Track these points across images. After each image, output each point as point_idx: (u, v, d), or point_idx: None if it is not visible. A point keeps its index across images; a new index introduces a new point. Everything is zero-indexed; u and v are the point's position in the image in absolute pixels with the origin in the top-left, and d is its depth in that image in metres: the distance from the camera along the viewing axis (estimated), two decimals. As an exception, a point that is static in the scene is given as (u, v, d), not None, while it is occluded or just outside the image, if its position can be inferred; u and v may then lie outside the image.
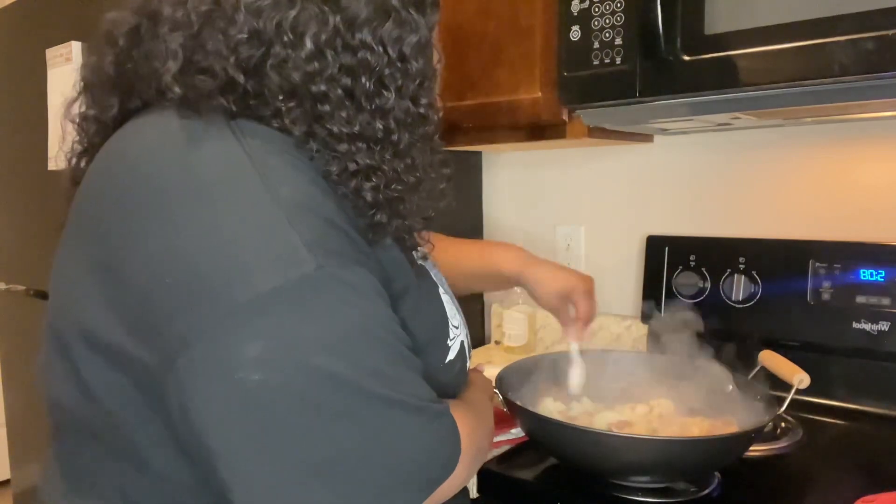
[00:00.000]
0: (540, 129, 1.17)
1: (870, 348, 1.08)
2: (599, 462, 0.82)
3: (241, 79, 0.53)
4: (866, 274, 1.09)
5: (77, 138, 0.64)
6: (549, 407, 0.95)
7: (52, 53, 1.48)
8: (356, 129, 0.55)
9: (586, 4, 1.00)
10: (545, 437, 0.86)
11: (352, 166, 0.55)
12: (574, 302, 0.99)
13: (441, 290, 0.68)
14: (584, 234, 1.49)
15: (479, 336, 1.66)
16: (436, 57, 0.62)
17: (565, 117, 1.12)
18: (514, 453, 0.97)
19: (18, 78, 1.66)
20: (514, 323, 1.50)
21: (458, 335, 0.67)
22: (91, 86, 0.63)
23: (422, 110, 0.59)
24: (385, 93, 0.56)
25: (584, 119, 1.11)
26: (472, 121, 1.22)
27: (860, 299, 1.09)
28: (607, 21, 0.99)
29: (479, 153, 1.64)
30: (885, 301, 1.07)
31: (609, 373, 1.01)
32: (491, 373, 0.95)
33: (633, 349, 1.38)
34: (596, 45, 1.00)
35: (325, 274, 0.48)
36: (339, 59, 0.54)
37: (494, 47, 1.16)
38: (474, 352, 1.57)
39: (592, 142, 1.27)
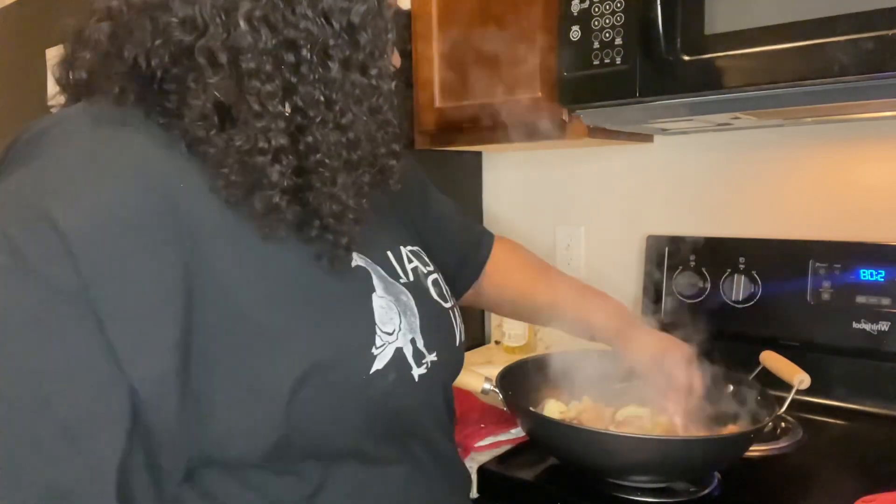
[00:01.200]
0: (540, 129, 1.17)
1: (870, 348, 1.08)
2: (599, 462, 0.82)
3: (156, 66, 0.53)
4: (866, 274, 1.09)
5: None
6: (550, 407, 0.95)
7: (52, 53, 1.48)
8: (280, 107, 0.53)
9: (586, 4, 1.00)
10: (545, 437, 0.86)
11: (262, 143, 0.52)
12: (668, 370, 0.88)
13: (376, 294, 0.62)
14: (584, 234, 1.49)
15: (479, 336, 1.66)
16: (388, 25, 0.59)
17: (565, 117, 1.12)
18: (514, 453, 0.97)
19: (18, 78, 1.66)
20: (514, 323, 1.50)
21: (390, 342, 0.60)
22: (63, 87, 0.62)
23: (372, 81, 0.56)
24: (330, 64, 0.54)
25: (584, 119, 1.11)
26: (472, 121, 1.22)
27: (860, 299, 1.09)
28: (607, 21, 0.98)
29: (479, 153, 1.64)
30: (885, 301, 1.07)
31: (609, 373, 1.01)
32: (491, 373, 0.95)
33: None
34: (596, 45, 1.00)
35: None
36: (280, 35, 0.52)
37: (494, 47, 1.16)
38: (475, 352, 1.57)
39: (592, 142, 1.27)
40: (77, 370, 0.46)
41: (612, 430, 0.87)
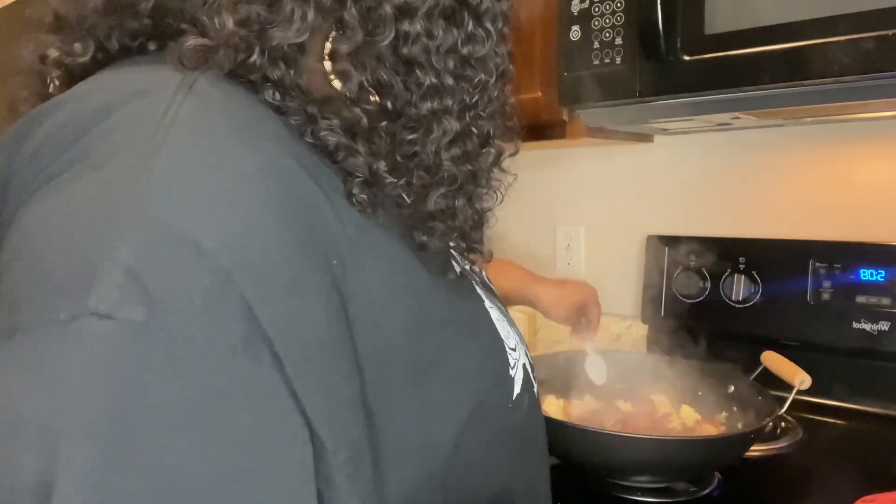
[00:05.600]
0: (540, 129, 1.17)
1: (870, 348, 1.08)
2: (599, 462, 0.82)
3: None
4: (866, 274, 1.09)
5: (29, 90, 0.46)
6: (550, 406, 0.95)
7: (52, 53, 1.48)
8: (448, 80, 0.41)
9: (586, 4, 1.00)
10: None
11: (437, 132, 0.41)
12: (586, 312, 1.04)
13: (487, 305, 0.51)
14: (584, 234, 1.49)
15: (479, 336, 1.65)
16: None
17: (565, 117, 1.12)
18: (515, 453, 0.97)
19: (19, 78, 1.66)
20: (514, 323, 1.50)
21: (517, 359, 0.51)
22: (63, 22, 0.45)
23: (504, 63, 0.47)
24: (482, 34, 0.43)
25: (584, 119, 1.11)
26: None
27: (860, 299, 1.09)
28: (607, 21, 0.98)
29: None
30: (885, 301, 1.07)
31: (610, 373, 1.01)
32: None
33: (633, 349, 1.38)
34: (596, 45, 1.00)
35: (110, 328, 0.28)
36: None
37: (494, 47, 1.16)
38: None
39: (592, 142, 1.27)
40: (286, 465, 0.32)
41: (612, 429, 0.88)
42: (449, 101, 0.41)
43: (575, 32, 1.02)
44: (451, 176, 0.42)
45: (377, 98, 0.40)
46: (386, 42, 0.39)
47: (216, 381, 0.30)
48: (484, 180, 0.46)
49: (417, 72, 0.40)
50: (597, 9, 0.99)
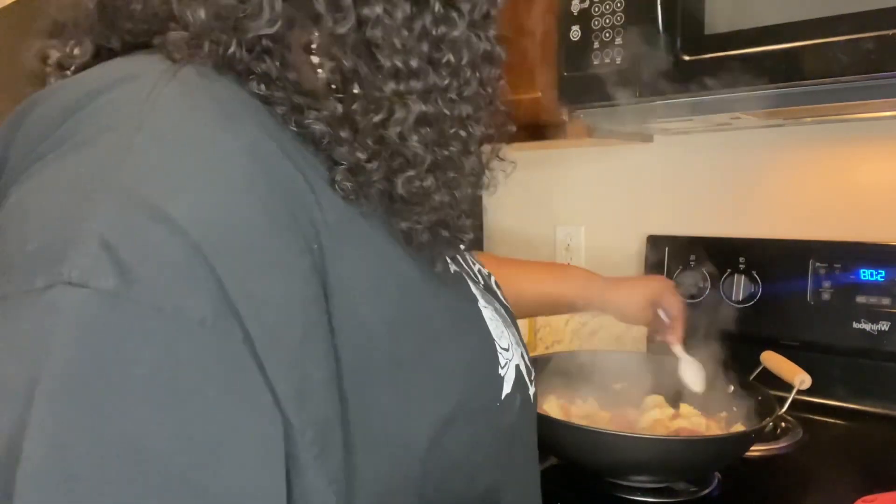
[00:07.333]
0: (540, 129, 1.17)
1: (870, 348, 1.08)
2: (599, 462, 0.82)
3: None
4: (866, 274, 1.09)
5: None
6: (550, 406, 0.95)
7: (52, 53, 1.48)
8: (414, 62, 0.40)
9: (586, 4, 1.00)
10: (545, 436, 0.86)
11: (400, 113, 0.40)
12: (663, 306, 0.96)
13: (481, 304, 0.51)
14: (584, 234, 1.49)
15: (479, 336, 1.65)
16: None
17: (565, 117, 1.12)
18: (515, 453, 0.97)
19: (18, 78, 1.66)
20: (514, 323, 1.50)
21: (509, 359, 0.50)
22: (61, 26, 0.46)
23: (488, 46, 0.45)
24: (456, 18, 0.42)
25: (584, 119, 1.11)
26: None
27: (860, 299, 1.09)
28: (607, 21, 0.98)
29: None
30: (885, 301, 1.07)
31: (610, 373, 1.01)
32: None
33: (633, 349, 1.38)
34: (596, 45, 1.00)
35: (82, 296, 0.29)
36: None
37: (494, 47, 1.16)
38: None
39: (592, 142, 1.27)
40: (250, 440, 0.32)
41: (612, 429, 0.88)
42: (414, 83, 0.41)
43: (575, 32, 1.02)
44: (419, 158, 0.41)
45: (351, 84, 0.40)
46: (347, 27, 0.39)
47: (183, 353, 0.30)
48: (465, 165, 0.45)
49: (378, 55, 0.40)
50: (597, 9, 0.99)
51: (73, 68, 0.44)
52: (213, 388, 0.31)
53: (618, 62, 0.98)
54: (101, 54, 0.44)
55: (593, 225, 1.48)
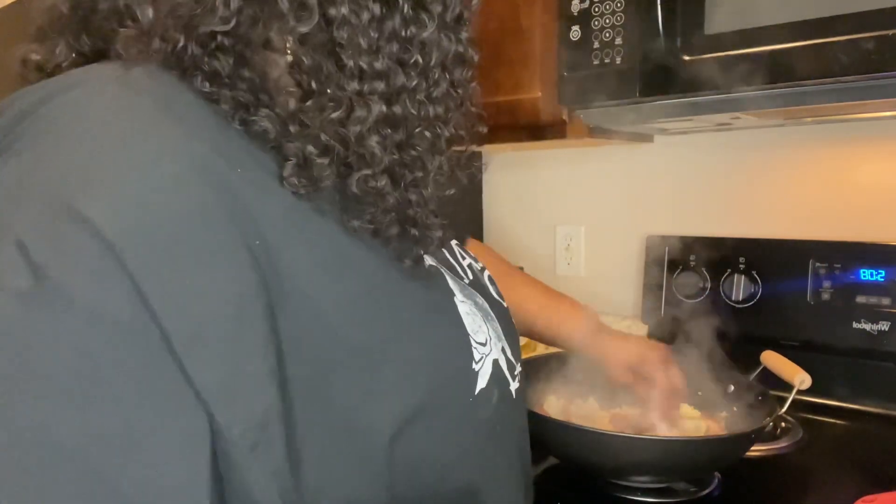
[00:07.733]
0: (540, 129, 1.17)
1: (870, 348, 1.08)
2: (599, 462, 0.82)
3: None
4: (866, 274, 1.09)
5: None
6: (550, 406, 0.95)
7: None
8: (379, 63, 0.41)
9: (586, 4, 1.00)
10: (545, 437, 0.86)
11: (361, 112, 0.40)
12: (647, 374, 0.87)
13: (458, 299, 0.51)
14: (584, 234, 1.49)
15: (479, 336, 1.65)
16: None
17: (565, 117, 1.12)
18: (515, 453, 0.97)
19: (18, 78, 1.66)
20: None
21: (486, 354, 0.50)
22: (42, 32, 0.48)
23: (460, 48, 0.45)
24: (426, 18, 0.43)
25: (584, 119, 1.11)
26: (472, 121, 1.22)
27: (860, 299, 1.09)
28: (607, 21, 0.98)
29: (479, 153, 1.63)
30: (885, 301, 1.07)
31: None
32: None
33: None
34: (596, 45, 1.00)
35: None
36: None
37: (494, 47, 1.16)
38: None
39: (592, 142, 1.27)
40: (164, 435, 0.33)
41: (611, 429, 0.88)
42: (378, 84, 0.41)
43: (575, 32, 1.02)
44: (376, 159, 0.42)
45: (309, 81, 0.40)
46: (310, 26, 0.39)
47: (95, 350, 0.31)
48: (432, 165, 0.45)
49: (342, 54, 0.40)
50: (597, 9, 0.99)
51: (50, 71, 0.46)
52: (125, 385, 0.32)
53: (618, 62, 0.98)
54: (75, 61, 0.46)
55: (593, 225, 1.48)
